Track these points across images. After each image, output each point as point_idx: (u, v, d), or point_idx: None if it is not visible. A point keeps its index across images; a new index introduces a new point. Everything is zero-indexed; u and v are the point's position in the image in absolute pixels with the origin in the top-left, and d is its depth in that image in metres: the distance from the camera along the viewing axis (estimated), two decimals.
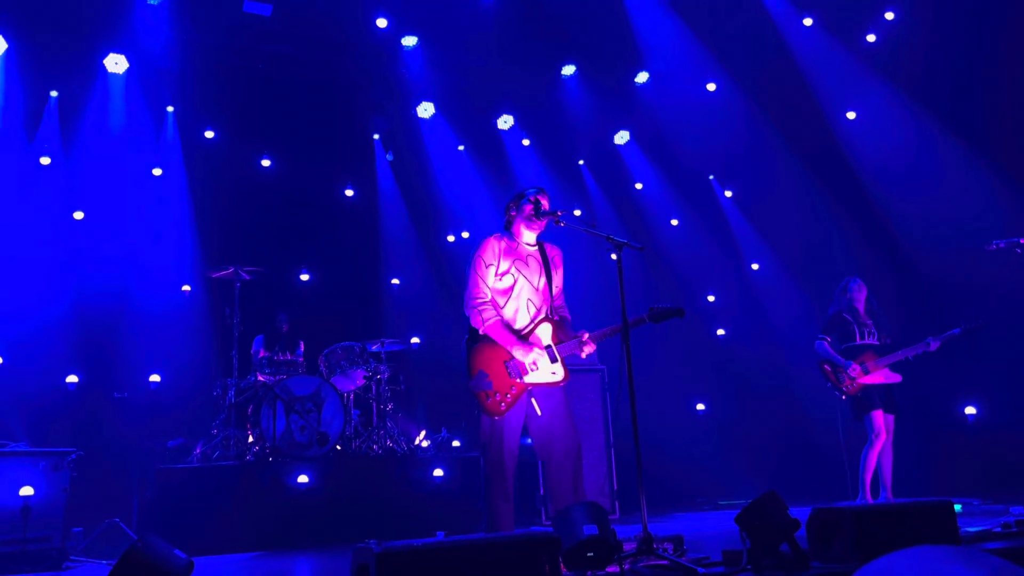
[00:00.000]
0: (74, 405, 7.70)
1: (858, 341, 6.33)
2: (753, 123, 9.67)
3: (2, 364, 7.41)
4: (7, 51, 7.96)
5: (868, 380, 6.17)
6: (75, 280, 8.00)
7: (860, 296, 6.49)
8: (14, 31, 7.93)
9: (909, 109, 8.55)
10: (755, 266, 10.34)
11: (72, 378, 7.84)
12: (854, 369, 6.17)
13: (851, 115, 9.24)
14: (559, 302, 4.51)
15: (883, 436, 6.11)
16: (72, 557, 5.73)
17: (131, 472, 7.05)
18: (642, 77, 9.99)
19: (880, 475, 6.20)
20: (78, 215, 8.36)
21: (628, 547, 3.51)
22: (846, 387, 6.22)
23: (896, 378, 6.21)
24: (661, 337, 8.95)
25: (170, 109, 9.04)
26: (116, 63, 8.48)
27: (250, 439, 6.96)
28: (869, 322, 6.41)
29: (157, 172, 8.89)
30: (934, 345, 6.08)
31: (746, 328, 10.05)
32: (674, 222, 10.59)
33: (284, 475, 6.40)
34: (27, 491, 5.62)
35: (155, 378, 8.22)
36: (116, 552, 5.73)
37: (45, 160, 8.29)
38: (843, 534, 3.25)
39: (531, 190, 4.47)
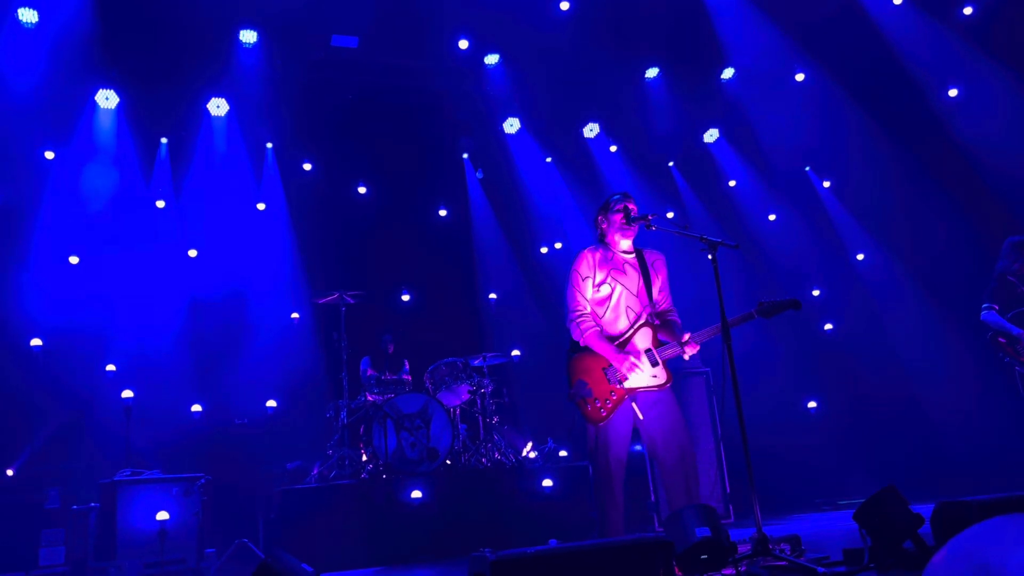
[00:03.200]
0: (199, 433, 8.12)
1: None
2: (847, 110, 9.36)
3: (134, 397, 7.89)
4: (119, 105, 8.53)
5: None
6: (194, 315, 8.48)
7: None
8: (124, 87, 8.49)
9: (1015, 81, 8.12)
10: (860, 256, 9.99)
11: (196, 407, 8.28)
12: None
13: (953, 92, 8.84)
14: (665, 306, 4.50)
15: None
16: None
17: (255, 494, 7.39)
18: (728, 73, 9.83)
19: None
20: (192, 253, 8.86)
21: (743, 549, 3.46)
22: None
23: None
24: (767, 335, 8.79)
25: (269, 145, 9.48)
26: (218, 106, 8.97)
27: (363, 458, 7.17)
28: None
29: (261, 206, 9.34)
30: None
31: (855, 320, 9.70)
32: (772, 217, 10.35)
33: (398, 491, 6.57)
34: (163, 515, 5.98)
35: (271, 403, 8.58)
36: (246, 571, 6.03)
37: (160, 203, 8.84)
38: None
39: (615, 197, 4.49)
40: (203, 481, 6.35)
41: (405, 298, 9.79)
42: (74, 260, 8.30)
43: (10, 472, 7.28)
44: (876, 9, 8.73)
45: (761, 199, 10.37)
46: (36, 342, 7.93)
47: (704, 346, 4.36)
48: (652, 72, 9.85)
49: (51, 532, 6.57)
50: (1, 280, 7.85)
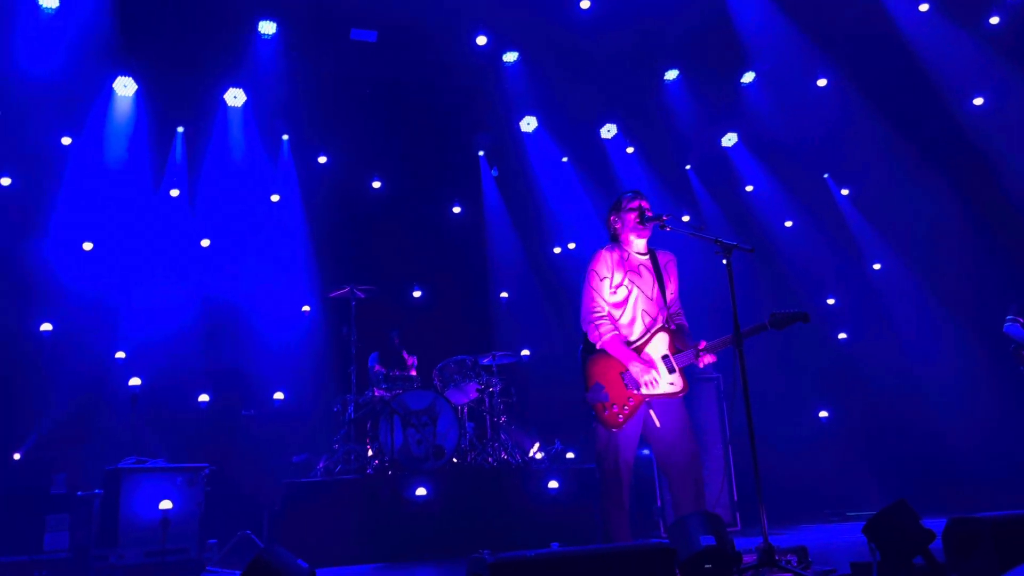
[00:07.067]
0: (206, 423, 8.12)
1: None
2: (869, 117, 9.25)
3: (141, 385, 7.91)
4: (137, 92, 8.54)
5: None
6: (204, 305, 8.47)
7: None
8: (143, 73, 8.49)
9: None
10: (877, 266, 9.87)
11: (203, 397, 8.29)
12: None
13: (978, 101, 8.72)
14: (675, 309, 4.42)
15: None
16: (208, 568, 6.03)
17: (260, 486, 7.37)
18: (748, 77, 9.75)
19: None
20: (205, 242, 8.85)
21: (748, 559, 3.39)
22: None
23: None
24: (779, 343, 8.67)
25: (285, 137, 9.46)
26: (235, 96, 8.97)
27: (369, 453, 7.14)
28: None
29: (275, 198, 9.32)
30: None
31: (870, 331, 9.59)
32: (788, 224, 10.24)
33: (403, 488, 6.53)
34: (166, 505, 5.96)
35: (279, 396, 8.59)
36: (247, 563, 6.00)
37: (174, 192, 8.84)
38: (982, 546, 3.03)
39: (627, 195, 4.41)
40: (207, 471, 6.33)
41: (416, 294, 9.75)
42: (88, 246, 8.32)
43: (17, 456, 7.30)
44: (901, 15, 8.63)
45: (778, 205, 10.27)
46: (46, 327, 7.96)
47: (717, 352, 4.28)
48: (672, 74, 9.77)
49: (56, 517, 6.58)
50: (15, 264, 7.87)
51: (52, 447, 7.31)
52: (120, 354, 8.11)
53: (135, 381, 7.89)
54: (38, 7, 7.63)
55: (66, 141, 8.38)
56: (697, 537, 3.09)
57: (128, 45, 7.97)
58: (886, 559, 3.05)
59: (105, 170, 8.45)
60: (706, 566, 3.09)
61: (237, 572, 5.83)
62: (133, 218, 8.49)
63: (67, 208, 8.23)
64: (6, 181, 8.14)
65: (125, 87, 8.50)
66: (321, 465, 7.17)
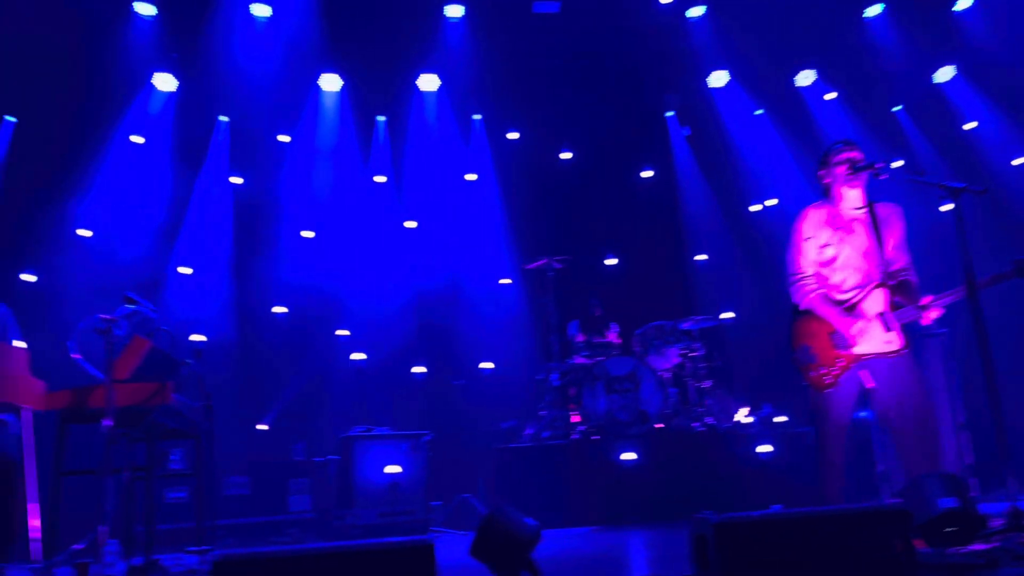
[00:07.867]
0: (421, 393, 8.66)
1: None
2: None
3: (365, 359, 8.57)
4: (343, 87, 9.12)
5: None
6: (413, 283, 9.01)
7: None
8: (345, 69, 9.05)
9: None
10: None
11: (418, 369, 8.83)
12: None
13: None
14: (899, 264, 4.10)
15: None
16: (433, 528, 6.44)
17: (473, 451, 7.76)
18: (964, 2, 8.84)
19: None
20: (410, 224, 9.36)
21: (994, 524, 3.16)
22: None
23: None
24: (1011, 293, 7.90)
25: (477, 117, 9.76)
26: (428, 82, 9.35)
27: (574, 419, 7.29)
28: None
29: (471, 177, 9.67)
30: None
31: None
32: (1018, 162, 9.24)
33: (610, 452, 6.62)
34: (394, 469, 6.42)
35: (487, 365, 8.99)
36: (469, 523, 6.36)
37: (380, 178, 9.40)
38: None
39: (836, 146, 4.15)
40: (428, 437, 6.73)
41: (611, 261, 9.79)
42: (308, 234, 9.04)
43: (263, 427, 8.14)
44: None
45: (1005, 142, 9.27)
46: (280, 310, 8.78)
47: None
48: (874, 10, 9.06)
49: (298, 481, 7.28)
50: (249, 254, 8.72)
51: (291, 418, 8.09)
52: (343, 332, 8.80)
53: (358, 356, 8.54)
54: (253, 18, 8.32)
55: (284, 139, 9.11)
56: (935, 499, 2.92)
57: (332, 43, 8.52)
58: None
59: (318, 163, 9.14)
60: (947, 530, 2.91)
61: (460, 532, 6.21)
62: (346, 206, 9.14)
63: (288, 201, 8.99)
64: (238, 180, 9.01)
65: (331, 83, 9.10)
66: (529, 431, 7.42)
